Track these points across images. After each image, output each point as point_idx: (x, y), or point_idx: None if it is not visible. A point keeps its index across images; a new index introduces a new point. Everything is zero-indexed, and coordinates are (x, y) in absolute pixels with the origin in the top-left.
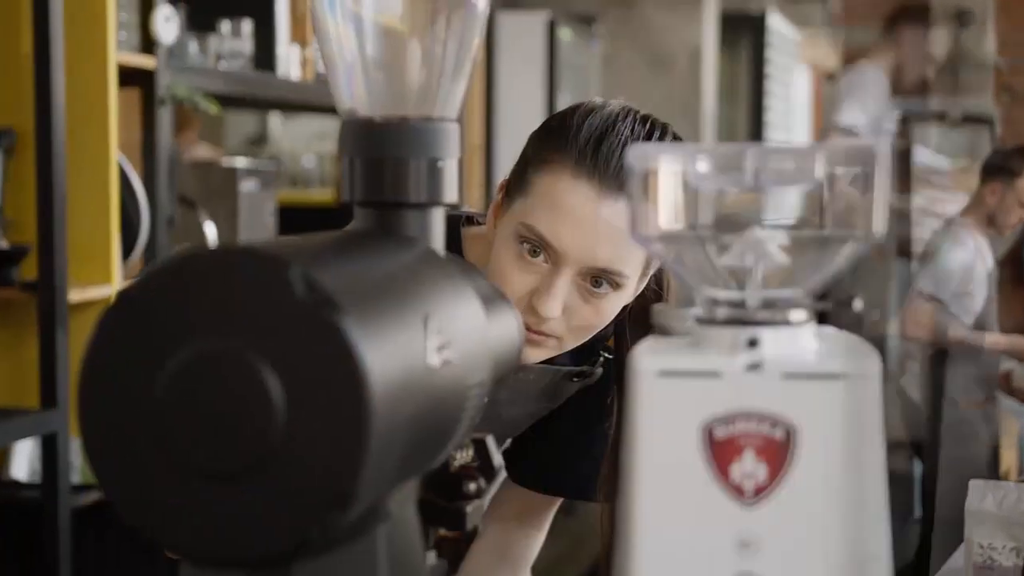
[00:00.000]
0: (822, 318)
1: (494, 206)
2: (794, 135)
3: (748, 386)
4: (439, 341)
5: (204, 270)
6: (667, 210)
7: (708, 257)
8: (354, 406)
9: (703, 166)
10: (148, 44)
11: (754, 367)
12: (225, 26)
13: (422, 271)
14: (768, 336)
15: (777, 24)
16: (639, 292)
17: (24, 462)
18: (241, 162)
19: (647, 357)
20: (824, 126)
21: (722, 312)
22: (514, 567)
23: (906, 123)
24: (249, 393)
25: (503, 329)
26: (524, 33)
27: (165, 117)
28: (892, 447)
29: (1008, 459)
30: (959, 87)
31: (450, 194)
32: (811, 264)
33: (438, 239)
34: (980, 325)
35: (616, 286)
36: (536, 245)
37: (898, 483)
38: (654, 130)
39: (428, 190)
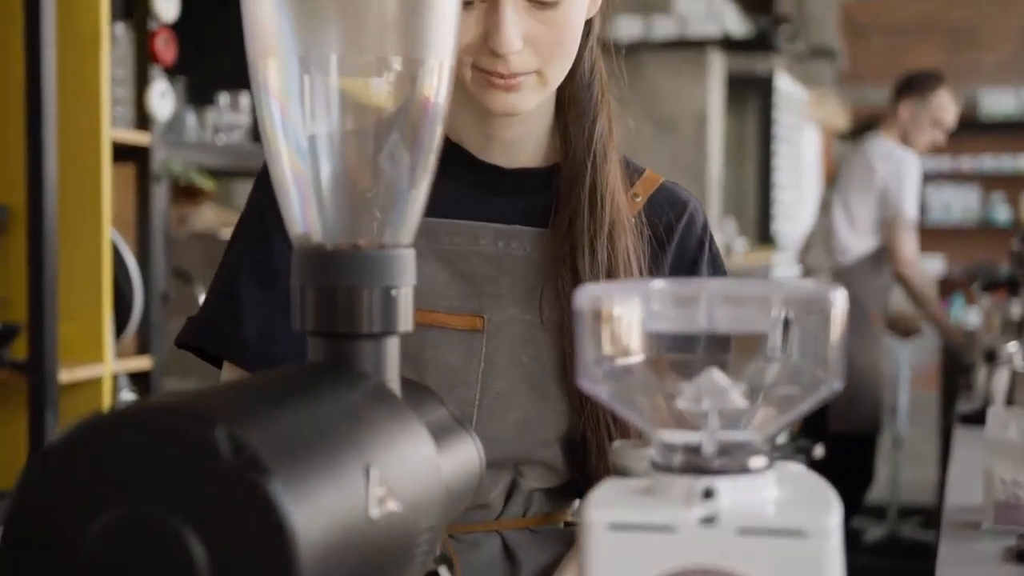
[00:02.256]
0: None
1: None
2: (803, 194)
3: (703, 541)
4: (382, 491)
5: (129, 429)
6: (618, 351)
7: (662, 399)
8: (282, 572)
9: (656, 309)
10: (144, 119)
11: (709, 521)
12: (224, 99)
13: (368, 414)
14: (725, 486)
15: (785, 84)
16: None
17: None
18: None
19: (599, 509)
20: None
21: (677, 459)
22: None
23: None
24: (173, 559)
25: (459, 460)
26: None
27: (160, 193)
28: None
29: None
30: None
31: (405, 323)
32: (770, 410)
33: (392, 370)
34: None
35: None
36: None
37: None
38: None
39: (382, 320)
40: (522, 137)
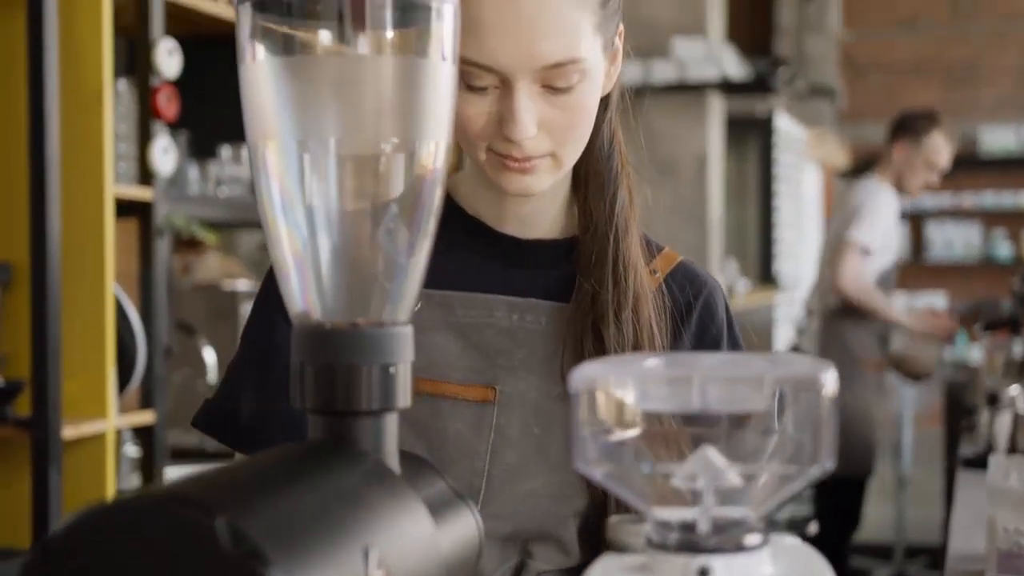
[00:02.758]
0: None
1: None
2: (805, 232)
3: None
4: (381, 573)
5: (129, 519)
6: (612, 429)
7: (657, 477)
8: None
9: (650, 389)
10: (147, 175)
11: None
12: (225, 151)
13: (366, 494)
14: (720, 564)
15: (784, 124)
16: (613, 76)
17: None
18: (243, 284)
19: None
20: (833, 238)
21: (673, 536)
22: None
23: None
24: None
25: (458, 534)
26: None
27: (163, 247)
28: None
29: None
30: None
31: (403, 399)
32: (765, 487)
33: (391, 445)
34: (882, 284)
35: (580, 74)
36: (475, 76)
37: None
38: None
39: (381, 397)
40: (538, 211)
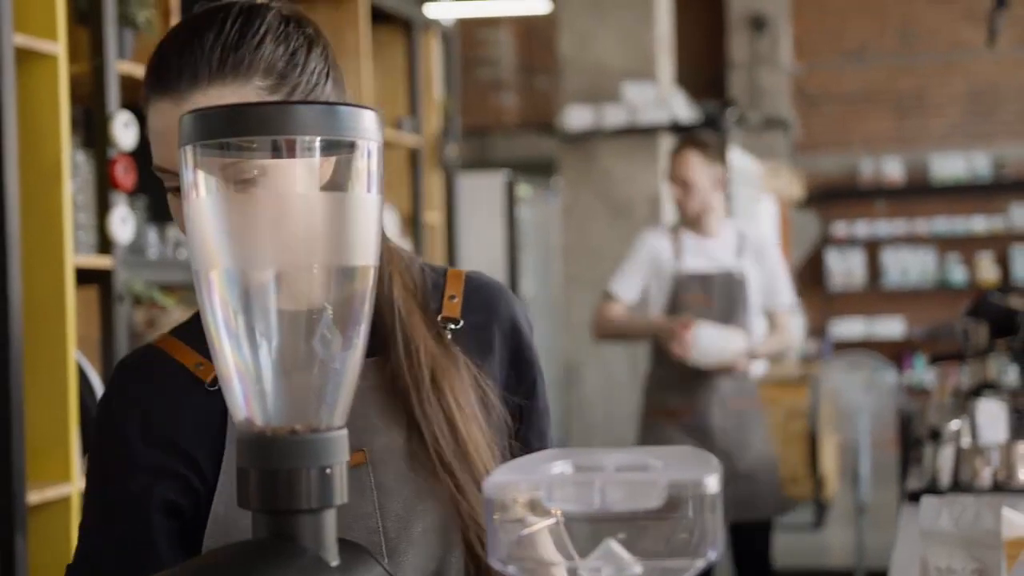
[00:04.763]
0: None
1: None
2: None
3: None
4: None
5: None
6: (524, 529)
7: (564, 571)
8: None
9: (556, 491)
10: (105, 243)
11: None
12: None
13: None
14: None
15: (738, 159)
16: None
17: None
18: None
19: None
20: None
21: None
22: None
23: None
24: None
25: None
26: (484, 190)
27: (123, 313)
28: None
29: None
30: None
31: (340, 496)
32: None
33: (330, 539)
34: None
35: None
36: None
37: None
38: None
39: (319, 496)
40: None
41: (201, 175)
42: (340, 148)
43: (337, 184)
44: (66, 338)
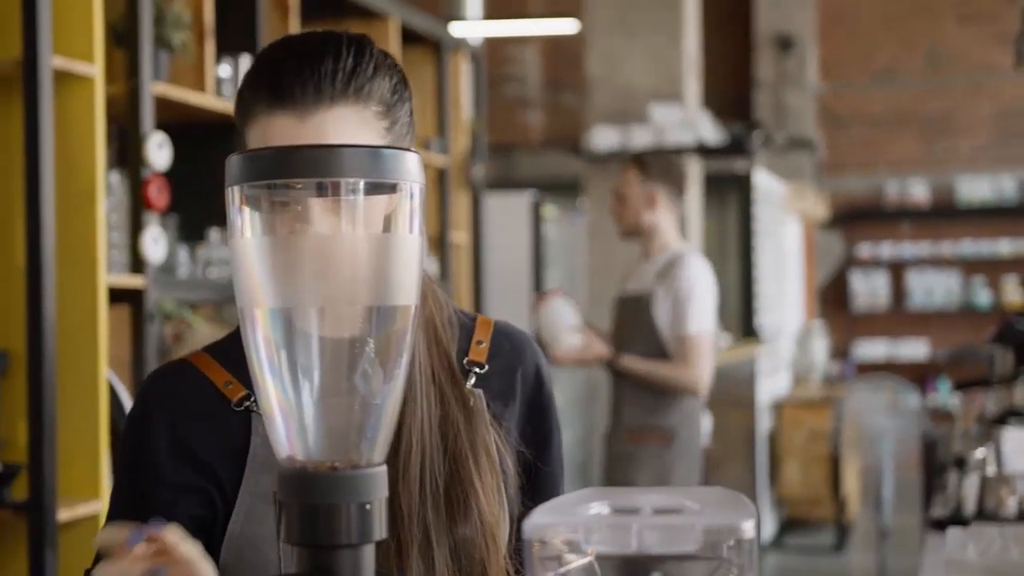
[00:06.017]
0: None
1: None
2: (786, 285)
3: None
4: None
5: None
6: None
7: None
8: None
9: (594, 534)
10: (138, 263)
11: None
12: (215, 234)
13: None
14: None
15: (763, 180)
16: None
17: None
18: None
19: None
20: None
21: None
22: None
23: None
24: None
25: None
26: (510, 210)
27: (153, 332)
28: None
29: None
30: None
31: (379, 532)
32: None
33: (368, 574)
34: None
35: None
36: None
37: None
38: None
39: (359, 532)
40: None
41: (247, 215)
42: (383, 189)
43: (380, 225)
44: (98, 357)
